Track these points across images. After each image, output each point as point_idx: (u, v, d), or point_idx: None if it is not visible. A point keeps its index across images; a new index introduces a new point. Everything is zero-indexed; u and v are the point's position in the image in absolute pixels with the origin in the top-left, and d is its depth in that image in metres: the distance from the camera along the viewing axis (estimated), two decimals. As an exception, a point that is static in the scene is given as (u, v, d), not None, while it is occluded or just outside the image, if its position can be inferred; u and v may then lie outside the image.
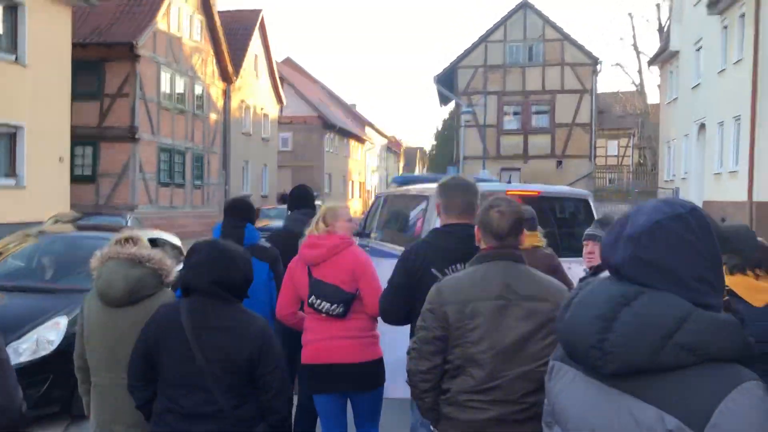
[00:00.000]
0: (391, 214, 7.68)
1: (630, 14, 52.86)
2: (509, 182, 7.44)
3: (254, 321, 2.60)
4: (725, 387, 1.24)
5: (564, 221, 5.67)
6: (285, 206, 24.01)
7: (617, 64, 46.83)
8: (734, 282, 2.93)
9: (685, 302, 1.30)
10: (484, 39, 28.29)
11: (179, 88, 23.39)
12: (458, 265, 2.88)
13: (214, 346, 2.51)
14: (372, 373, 3.56)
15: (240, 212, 4.16)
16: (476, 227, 2.59)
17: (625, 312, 1.32)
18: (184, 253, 3.40)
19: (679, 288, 1.32)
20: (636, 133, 50.38)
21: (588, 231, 3.75)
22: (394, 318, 3.17)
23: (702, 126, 21.61)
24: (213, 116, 26.23)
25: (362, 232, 7.99)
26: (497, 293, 2.39)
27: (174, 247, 7.63)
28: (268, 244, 4.31)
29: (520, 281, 2.43)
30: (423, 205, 6.09)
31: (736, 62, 17.93)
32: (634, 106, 47.95)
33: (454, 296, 2.41)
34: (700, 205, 22.68)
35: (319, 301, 3.51)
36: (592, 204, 6.52)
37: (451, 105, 33.86)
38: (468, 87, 28.11)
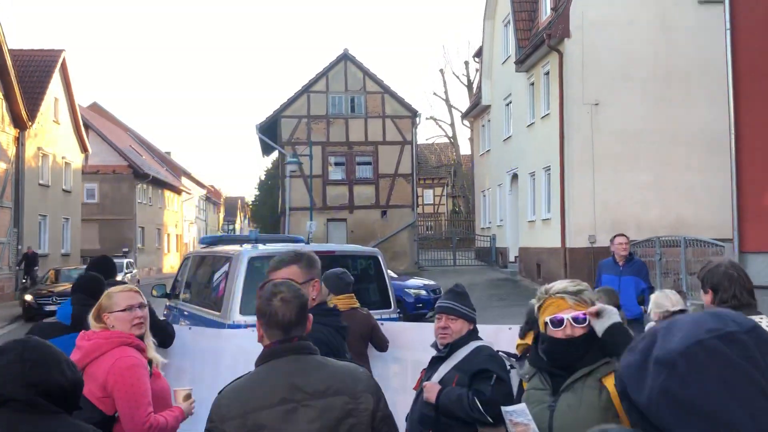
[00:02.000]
0: (199, 275, 7.78)
1: (441, 71, 56.20)
2: (308, 243, 7.54)
3: None
4: None
5: (357, 278, 5.97)
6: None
7: (431, 118, 49.09)
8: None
9: None
10: (306, 89, 28.14)
11: (-41, 133, 20.37)
12: None
13: None
14: None
15: (91, 289, 3.79)
16: (257, 320, 2.24)
17: None
18: None
19: None
20: (449, 183, 53.17)
21: (442, 303, 3.44)
22: None
23: (515, 176, 22.85)
24: (2, 166, 23.17)
25: (171, 293, 8.12)
26: (281, 396, 2.06)
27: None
28: None
29: (309, 377, 2.11)
30: (226, 267, 6.40)
31: (544, 116, 19.16)
32: (448, 157, 50.60)
33: (234, 410, 2.07)
34: (515, 252, 23.69)
35: None
36: (381, 260, 7.00)
37: (274, 154, 33.19)
38: (292, 137, 27.68)
